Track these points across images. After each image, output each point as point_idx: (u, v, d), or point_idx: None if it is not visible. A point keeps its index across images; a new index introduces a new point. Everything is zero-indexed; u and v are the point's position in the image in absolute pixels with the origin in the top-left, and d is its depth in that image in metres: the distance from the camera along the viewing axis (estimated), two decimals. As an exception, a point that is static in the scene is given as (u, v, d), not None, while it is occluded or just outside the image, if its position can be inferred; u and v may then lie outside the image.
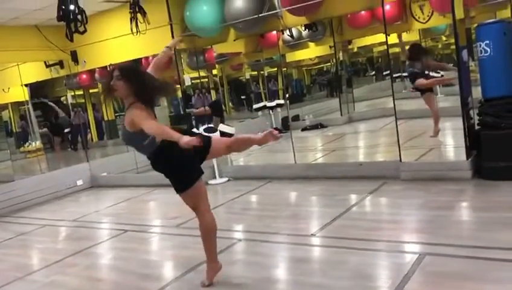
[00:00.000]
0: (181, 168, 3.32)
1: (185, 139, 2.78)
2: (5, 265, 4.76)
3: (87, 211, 6.53)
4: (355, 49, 13.22)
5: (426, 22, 6.91)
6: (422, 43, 9.04)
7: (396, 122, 5.66)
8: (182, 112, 12.05)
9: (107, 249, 4.92)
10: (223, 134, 7.02)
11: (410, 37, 8.88)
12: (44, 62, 8.71)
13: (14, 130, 12.84)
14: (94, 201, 7.39)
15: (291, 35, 9.40)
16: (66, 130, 12.27)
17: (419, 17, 6.91)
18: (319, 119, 11.14)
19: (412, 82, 7.04)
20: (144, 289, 3.58)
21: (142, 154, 3.41)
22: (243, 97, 13.23)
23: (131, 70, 3.32)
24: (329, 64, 13.68)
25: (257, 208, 5.88)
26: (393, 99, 5.80)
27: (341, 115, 11.25)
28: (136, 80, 3.20)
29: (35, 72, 9.11)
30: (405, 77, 8.41)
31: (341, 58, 11.91)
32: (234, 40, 7.78)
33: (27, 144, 12.68)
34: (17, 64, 8.79)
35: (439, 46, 10.87)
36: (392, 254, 3.55)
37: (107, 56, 8.20)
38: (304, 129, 10.65)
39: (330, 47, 11.94)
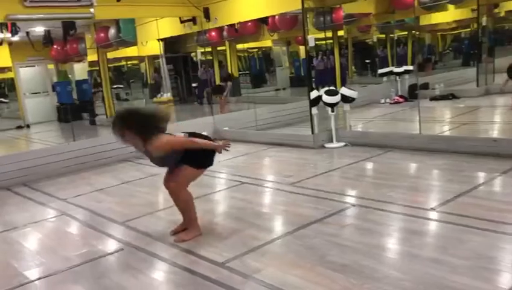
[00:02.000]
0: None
1: (219, 147, 3.75)
2: (138, 200, 5.32)
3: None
4: (502, 14, 11.83)
5: None
6: None
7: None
8: (302, 74, 12.03)
9: (225, 197, 5.22)
10: (344, 97, 6.89)
11: None
12: (179, 18, 9.22)
13: (148, 82, 13.98)
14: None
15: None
16: (193, 85, 13.05)
17: None
18: (451, 89, 10.32)
19: None
20: (257, 238, 3.74)
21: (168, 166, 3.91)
22: (367, 61, 12.72)
23: (123, 120, 3.57)
24: (468, 29, 12.47)
25: (373, 176, 5.72)
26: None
27: (477, 86, 10.29)
28: (132, 125, 3.50)
29: (170, 27, 9.72)
30: None
31: (483, 24, 10.74)
32: None
33: (159, 95, 13.78)
34: (156, 19, 9.44)
35: None
36: (522, 239, 3.24)
37: (237, 14, 8.41)
38: (432, 99, 9.98)
39: (472, 10, 10.85)
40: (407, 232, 3.64)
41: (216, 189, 5.52)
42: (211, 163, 3.91)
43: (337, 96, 6.85)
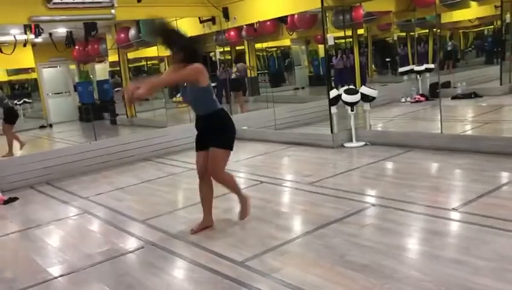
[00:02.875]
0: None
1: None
2: (158, 199, 5.38)
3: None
4: (527, 10, 11.56)
5: None
6: None
7: None
8: (321, 73, 11.97)
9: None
10: (364, 96, 6.84)
11: None
12: (199, 18, 9.26)
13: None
14: (234, 152, 7.81)
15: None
16: (212, 84, 13.05)
17: None
18: (473, 88, 10.13)
19: None
20: (276, 237, 3.74)
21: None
22: (387, 59, 12.57)
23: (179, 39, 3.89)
24: (491, 26, 12.22)
25: (393, 175, 5.66)
26: None
27: (501, 84, 10.09)
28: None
29: (189, 27, 9.76)
30: None
31: (507, 21, 10.52)
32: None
33: (179, 95, 13.82)
34: (175, 19, 9.50)
35: None
36: (547, 241, 3.17)
37: (256, 13, 8.42)
38: (454, 97, 9.81)
39: (496, 7, 10.64)
40: (428, 232, 3.60)
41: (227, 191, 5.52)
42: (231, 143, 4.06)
43: (356, 95, 6.80)
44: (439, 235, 3.47)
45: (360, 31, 10.47)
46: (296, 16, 9.47)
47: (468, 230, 3.56)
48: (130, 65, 12.80)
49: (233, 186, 4.18)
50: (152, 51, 12.06)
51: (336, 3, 7.72)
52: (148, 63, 14.42)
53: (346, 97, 6.78)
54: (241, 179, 5.93)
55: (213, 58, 13.29)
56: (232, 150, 4.03)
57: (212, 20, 8.99)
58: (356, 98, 6.79)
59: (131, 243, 4.07)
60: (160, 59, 13.53)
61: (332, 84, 7.90)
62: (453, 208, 3.96)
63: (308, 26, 10.09)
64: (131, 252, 3.85)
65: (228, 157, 4.04)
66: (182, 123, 9.24)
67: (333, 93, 6.95)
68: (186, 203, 5.08)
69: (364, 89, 6.92)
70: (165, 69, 13.72)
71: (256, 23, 9.77)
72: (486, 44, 12.54)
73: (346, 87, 7.00)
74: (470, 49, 13.05)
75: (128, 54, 12.38)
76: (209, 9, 8.76)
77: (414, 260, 3.18)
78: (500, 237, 3.31)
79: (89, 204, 5.47)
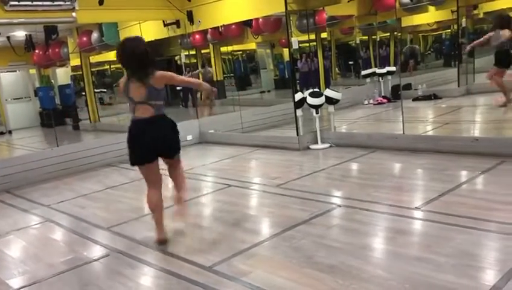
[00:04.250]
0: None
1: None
2: (122, 206, 5.27)
3: (195, 164, 6.93)
4: (481, 15, 12.03)
5: None
6: None
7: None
8: (286, 76, 12.06)
9: (212, 200, 5.20)
10: (328, 99, 6.94)
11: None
12: (163, 21, 9.17)
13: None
14: (202, 156, 7.80)
15: (412, -4, 8.83)
16: (178, 88, 12.93)
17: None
18: (433, 90, 10.45)
19: None
20: (244, 240, 3.74)
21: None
22: (350, 62, 12.80)
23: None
24: (449, 30, 12.65)
25: (358, 176, 5.76)
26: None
27: (458, 86, 10.46)
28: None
29: (153, 31, 9.66)
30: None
31: (463, 25, 10.92)
32: (348, 1, 7.50)
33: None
34: (139, 23, 9.38)
35: None
36: (504, 236, 3.29)
37: (220, 17, 8.41)
38: (415, 99, 10.09)
39: (452, 12, 11.02)
40: (392, 231, 3.68)
41: (202, 192, 5.50)
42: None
43: (321, 98, 6.89)
44: (403, 234, 3.55)
45: (324, 35, 10.63)
46: (260, 19, 9.53)
47: (430, 228, 3.66)
48: (92, 69, 12.52)
49: None
50: (115, 55, 11.85)
51: (299, 7, 7.79)
52: (112, 66, 14.16)
53: (311, 100, 6.86)
54: (209, 183, 5.92)
55: (178, 61, 13.18)
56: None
57: (177, 23, 8.92)
58: (321, 100, 6.88)
59: (96, 251, 3.97)
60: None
61: (298, 87, 7.96)
62: (416, 207, 4.07)
63: (272, 30, 10.17)
64: (96, 260, 3.76)
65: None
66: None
67: (298, 96, 7.01)
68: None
69: (328, 92, 7.02)
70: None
71: (221, 26, 9.76)
72: (444, 47, 12.97)
73: (311, 90, 7.08)
74: (429, 52, 13.46)
75: (90, 57, 12.10)
76: (173, 13, 8.69)
77: (379, 259, 3.24)
78: (461, 233, 3.42)
79: (51, 212, 5.31)
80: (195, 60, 11.70)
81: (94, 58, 12.32)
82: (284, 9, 7.14)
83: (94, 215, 5.01)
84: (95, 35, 10.58)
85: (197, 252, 3.60)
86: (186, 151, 8.16)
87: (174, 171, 4.03)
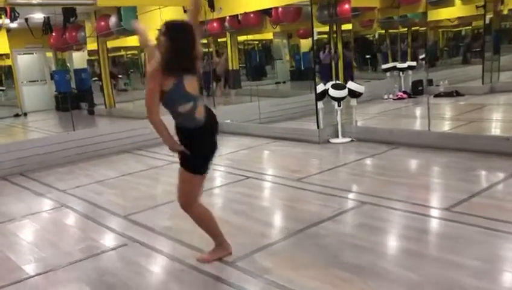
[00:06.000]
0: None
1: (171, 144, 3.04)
2: (139, 193, 5.17)
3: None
4: (506, 12, 11.70)
5: None
6: None
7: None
8: (302, 67, 11.85)
9: (230, 192, 5.06)
10: (351, 92, 6.75)
11: None
12: (183, 7, 9.01)
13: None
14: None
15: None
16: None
17: None
18: (455, 86, 10.18)
19: None
20: (267, 236, 3.61)
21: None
22: (367, 56, 12.52)
23: (177, 32, 2.93)
24: (469, 27, 12.34)
25: (382, 173, 5.54)
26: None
27: (482, 83, 10.18)
28: (172, 44, 2.86)
29: (173, 17, 9.50)
30: None
31: (488, 21, 10.65)
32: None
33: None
34: (159, 8, 9.23)
35: None
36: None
37: (242, 4, 8.23)
38: (436, 95, 9.83)
39: (477, 7, 10.72)
40: (421, 232, 3.50)
41: (219, 183, 5.37)
42: (205, 167, 3.15)
43: (344, 90, 6.70)
44: (432, 235, 3.42)
45: (346, 26, 10.39)
46: (280, 8, 9.33)
47: (461, 230, 3.47)
48: (109, 54, 12.42)
49: (208, 223, 3.25)
50: (132, 40, 11.73)
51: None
52: (128, 53, 14.09)
53: (333, 92, 6.68)
54: (226, 174, 5.78)
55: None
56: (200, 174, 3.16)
57: (197, 10, 8.74)
58: (343, 93, 6.69)
59: (113, 240, 3.87)
60: (140, 49, 13.23)
61: (316, 80, 7.78)
62: (444, 208, 3.89)
63: (292, 20, 9.97)
64: (113, 249, 3.65)
65: (201, 182, 3.21)
66: (163, 115, 9.02)
67: (320, 87, 6.83)
68: (170, 198, 4.85)
69: (351, 85, 6.83)
70: (145, 60, 13.45)
71: (240, 15, 9.58)
72: (468, 43, 12.64)
73: (333, 82, 6.88)
74: (451, 48, 13.14)
75: (107, 42, 12.00)
76: (193, -1, 8.51)
77: (409, 261, 3.06)
78: (495, 238, 3.25)
79: (66, 197, 5.23)
80: (211, 49, 11.54)
81: (111, 44, 12.22)
82: (308, -1, 6.94)
83: (110, 202, 4.91)
84: (113, 19, 10.46)
85: (218, 246, 3.46)
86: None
87: None
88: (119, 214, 4.48)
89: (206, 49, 10.90)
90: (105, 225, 4.23)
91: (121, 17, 10.00)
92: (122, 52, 14.07)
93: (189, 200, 3.16)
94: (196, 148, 3.05)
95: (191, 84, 2.95)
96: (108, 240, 3.90)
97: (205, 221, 3.23)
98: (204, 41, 10.51)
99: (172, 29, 2.93)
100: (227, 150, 7.13)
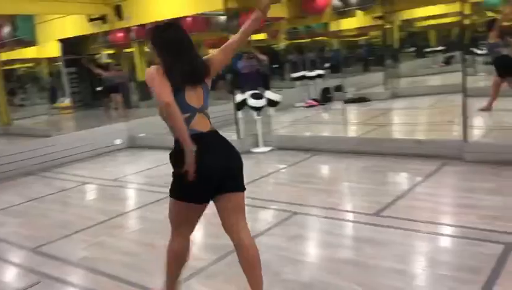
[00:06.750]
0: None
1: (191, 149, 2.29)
2: (50, 221, 4.64)
3: (126, 172, 6.39)
4: (400, 23, 12.66)
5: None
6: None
7: (464, 99, 5.25)
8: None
9: (155, 212, 4.71)
10: (270, 101, 6.73)
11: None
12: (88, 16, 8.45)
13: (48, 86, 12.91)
14: (133, 161, 7.21)
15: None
16: (97, 89, 12.13)
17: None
18: (362, 92, 10.69)
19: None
20: (201, 258, 3.37)
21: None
22: (274, 66, 12.71)
23: (162, 30, 2.51)
24: (375, 35, 13.12)
25: (308, 180, 5.52)
26: (464, 76, 5.37)
27: (385, 89, 10.84)
28: (161, 52, 2.44)
29: (74, 26, 8.85)
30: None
31: (389, 30, 11.48)
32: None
33: (60, 100, 12.72)
34: (59, 17, 8.57)
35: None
36: (472, 241, 3.24)
37: (152, 12, 7.89)
38: (346, 101, 10.22)
39: (375, 18, 11.41)
40: (358, 240, 3.48)
41: (143, 203, 5.00)
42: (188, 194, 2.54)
43: (263, 99, 6.67)
44: (369, 243, 3.37)
45: (255, 37, 10.45)
46: (191, 18, 9.13)
47: (394, 235, 3.52)
48: (2, 68, 11.30)
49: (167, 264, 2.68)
50: (30, 52, 10.81)
51: (239, 4, 7.47)
52: (24, 65, 13.01)
53: (253, 102, 6.60)
54: (141, 192, 5.42)
55: (98, 61, 12.37)
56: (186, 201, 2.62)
57: (103, 18, 8.23)
58: (262, 102, 6.65)
59: (22, 279, 3.38)
60: (38, 61, 12.29)
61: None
62: (374, 213, 3.93)
63: (200, 30, 9.88)
64: (24, 290, 3.18)
65: (184, 213, 2.71)
66: (68, 131, 8.35)
67: (239, 97, 6.73)
68: (85, 223, 4.42)
69: (269, 94, 6.82)
70: (47, 73, 12.42)
71: (150, 24, 9.21)
72: (370, 51, 13.41)
73: (253, 92, 6.81)
74: (353, 56, 13.82)
75: (1, 54, 10.91)
76: (98, 7, 8.01)
77: (352, 272, 3.00)
78: (427, 241, 3.32)
79: (-40, 232, 4.53)
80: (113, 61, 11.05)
81: (5, 56, 11.13)
82: (221, 7, 6.83)
83: (16, 233, 4.34)
84: (7, 29, 9.52)
85: (143, 273, 3.16)
86: (115, 156, 7.53)
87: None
88: (27, 246, 3.96)
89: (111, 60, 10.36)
90: (11, 262, 3.71)
91: (17, 26, 9.14)
92: (18, 65, 12.96)
93: (171, 228, 2.67)
94: (176, 166, 2.48)
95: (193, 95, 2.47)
96: (17, 279, 3.41)
97: (167, 260, 2.66)
98: (108, 51, 10.00)
99: (156, 30, 2.49)
100: (141, 166, 6.74)
